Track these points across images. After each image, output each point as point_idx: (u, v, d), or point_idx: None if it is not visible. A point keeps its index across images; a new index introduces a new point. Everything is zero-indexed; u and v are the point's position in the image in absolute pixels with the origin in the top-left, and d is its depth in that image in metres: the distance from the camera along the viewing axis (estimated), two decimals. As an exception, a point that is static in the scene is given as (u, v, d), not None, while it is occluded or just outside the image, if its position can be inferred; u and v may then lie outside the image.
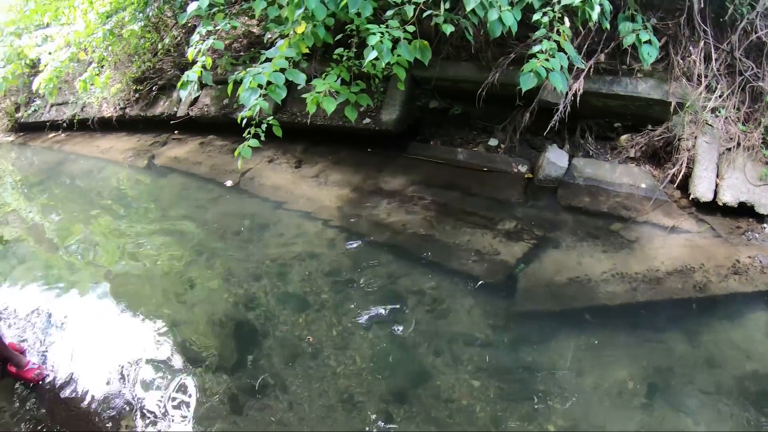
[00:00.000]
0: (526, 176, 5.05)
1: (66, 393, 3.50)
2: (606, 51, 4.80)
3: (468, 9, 3.90)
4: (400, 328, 3.56)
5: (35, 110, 12.33)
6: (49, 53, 9.06)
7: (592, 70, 4.73)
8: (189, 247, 5.07)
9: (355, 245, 4.54)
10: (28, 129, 13.44)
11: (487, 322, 3.52)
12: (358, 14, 4.21)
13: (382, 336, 3.52)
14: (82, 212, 6.74)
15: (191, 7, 4.74)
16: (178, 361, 3.60)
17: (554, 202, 4.68)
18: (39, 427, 3.26)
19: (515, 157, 5.27)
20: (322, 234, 4.76)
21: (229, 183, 6.22)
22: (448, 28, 4.20)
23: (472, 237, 4.29)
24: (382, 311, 3.73)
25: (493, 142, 5.47)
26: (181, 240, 5.29)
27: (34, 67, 10.69)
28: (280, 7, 4.51)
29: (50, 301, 4.54)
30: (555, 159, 4.90)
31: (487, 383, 3.12)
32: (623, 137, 5.07)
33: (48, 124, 11.90)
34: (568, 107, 4.63)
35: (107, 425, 3.21)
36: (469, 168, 5.30)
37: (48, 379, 3.64)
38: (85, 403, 3.40)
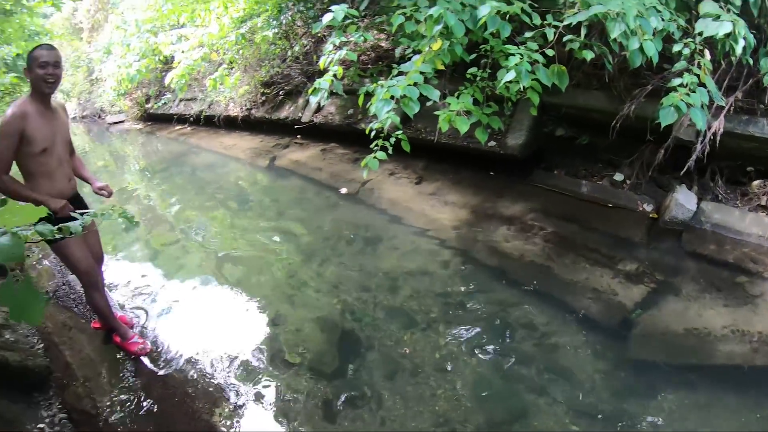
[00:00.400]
0: (650, 216, 5.00)
1: (164, 371, 3.72)
2: (743, 88, 4.63)
3: (612, 36, 3.89)
4: (505, 358, 3.56)
5: (165, 103, 13.51)
6: (183, 51, 10.02)
7: (732, 108, 4.60)
8: (301, 249, 5.39)
9: (469, 268, 4.65)
10: (156, 119, 14.79)
11: (596, 365, 3.45)
12: (493, 34, 4.30)
13: (486, 364, 3.54)
14: (201, 201, 7.38)
15: (326, 18, 5.03)
16: (278, 358, 3.76)
17: (678, 246, 4.59)
18: (132, 398, 3.44)
19: (641, 194, 5.21)
20: (436, 253, 4.91)
21: (344, 190, 6.58)
22: (588, 55, 4.23)
23: (590, 275, 4.28)
24: (489, 339, 3.76)
25: (618, 176, 5.45)
26: (294, 241, 5.64)
27: (167, 63, 11.79)
28: (417, 22, 4.67)
29: (161, 280, 5.00)
30: (684, 201, 4.81)
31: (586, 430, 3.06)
32: (755, 183, 4.91)
33: (175, 116, 13.07)
34: (707, 147, 4.50)
35: (200, 409, 3.37)
36: (592, 202, 5.30)
37: (149, 355, 3.87)
38: (182, 384, 3.59)
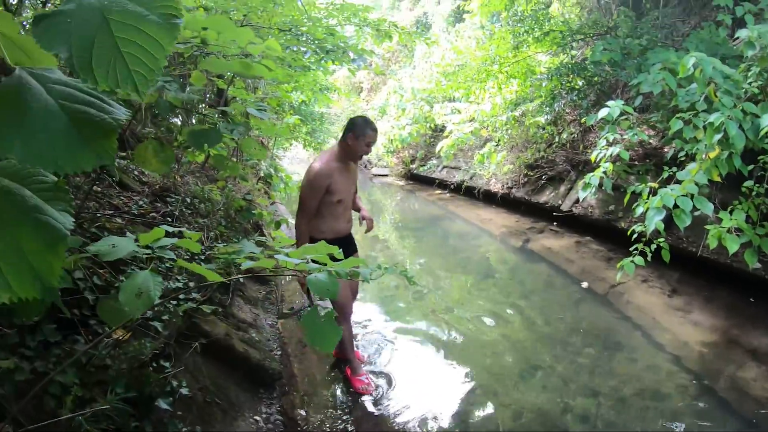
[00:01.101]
0: None
1: (378, 412, 4.20)
2: None
3: None
4: None
5: (429, 167, 15.15)
6: (454, 123, 11.42)
7: None
8: (537, 336, 5.72)
9: (705, 400, 4.54)
10: (417, 180, 16.57)
11: None
12: None
13: None
14: (447, 266, 8.20)
15: (602, 112, 5.36)
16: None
17: None
18: (340, 424, 3.95)
19: None
20: (674, 375, 4.89)
21: (585, 284, 6.95)
22: None
23: None
24: None
25: None
26: (532, 327, 6.00)
27: (435, 131, 13.40)
28: (696, 128, 4.72)
29: (393, 330, 5.67)
30: None
31: None
32: None
33: (437, 181, 14.58)
34: None
35: None
36: None
37: (371, 396, 4.38)
38: (389, 429, 4.02)
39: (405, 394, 4.56)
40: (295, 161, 30.52)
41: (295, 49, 5.67)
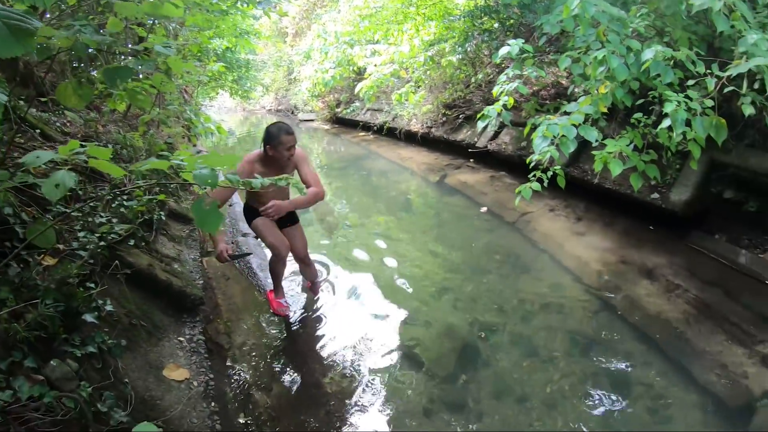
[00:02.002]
0: None
1: (297, 338, 4.45)
2: None
3: None
4: (614, 412, 3.57)
5: (353, 110, 14.92)
6: (375, 65, 11.15)
7: None
8: (451, 262, 5.87)
9: (604, 315, 4.73)
10: (342, 123, 16.34)
11: None
12: (661, 79, 4.29)
13: (594, 412, 3.57)
14: (370, 203, 8.21)
15: (503, 50, 5.37)
16: (400, 350, 4.25)
17: None
18: (260, 348, 4.19)
19: None
20: (576, 293, 5.08)
21: (483, 209, 7.26)
22: (748, 110, 4.08)
23: (725, 349, 4.13)
24: (604, 388, 3.79)
25: None
26: (445, 254, 6.12)
27: (359, 74, 13.08)
28: (585, 65, 4.80)
29: (318, 266, 5.57)
30: None
31: None
32: None
33: (361, 123, 14.42)
34: None
35: (314, 371, 3.98)
36: (749, 275, 5.03)
37: (289, 322, 4.65)
38: (306, 352, 4.23)
39: (323, 318, 4.81)
40: (223, 110, 29.68)
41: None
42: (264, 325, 4.60)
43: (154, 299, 3.86)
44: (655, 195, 5.94)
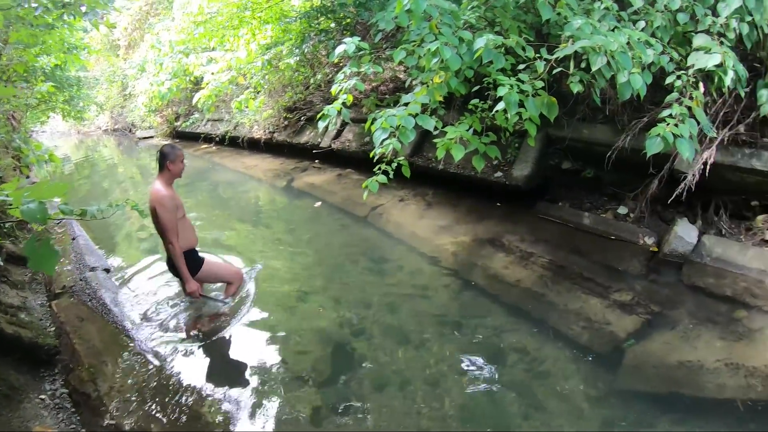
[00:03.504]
0: (651, 249, 4.96)
1: (167, 366, 3.96)
2: (746, 122, 4.55)
3: (594, 69, 3.90)
4: (495, 381, 3.57)
5: (193, 122, 13.87)
6: (212, 73, 10.29)
7: (728, 140, 4.55)
8: (310, 265, 5.51)
9: (466, 292, 4.70)
10: (183, 137, 15.18)
11: (585, 392, 3.42)
12: (494, 66, 4.31)
13: (475, 385, 3.54)
14: (219, 216, 7.54)
15: (339, 49, 5.11)
16: (273, 363, 3.92)
17: (677, 279, 4.53)
18: (131, 388, 3.65)
19: (643, 228, 5.19)
20: (436, 276, 4.98)
21: (317, 204, 7.05)
22: (576, 87, 4.20)
23: (584, 303, 4.25)
24: (480, 361, 3.78)
25: (622, 210, 5.45)
26: (303, 258, 5.76)
27: (197, 84, 12.11)
28: (419, 57, 4.72)
29: (173, 287, 5.09)
30: (683, 234, 4.77)
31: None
32: (760, 217, 4.79)
33: (202, 135, 13.42)
34: (697, 177, 4.48)
35: (192, 403, 3.53)
36: (594, 233, 5.29)
37: (155, 351, 4.14)
38: (178, 381, 3.77)
39: (192, 343, 4.33)
40: (56, 135, 26.81)
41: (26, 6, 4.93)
42: (129, 363, 4.00)
43: (4, 358, 3.55)
44: (499, 173, 6.05)
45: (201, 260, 4.46)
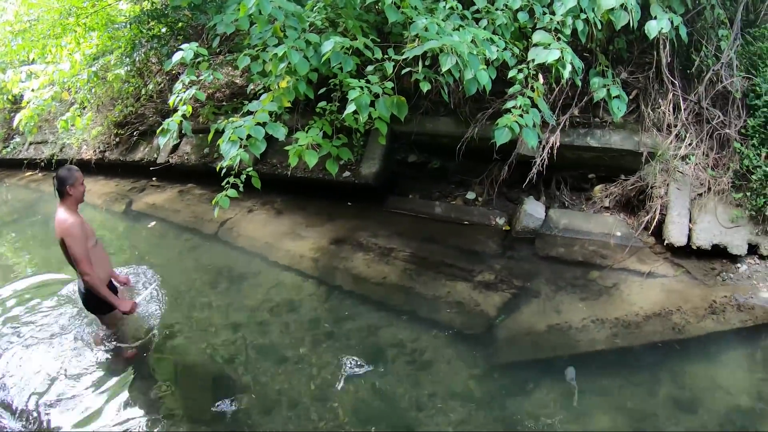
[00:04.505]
0: (503, 228, 5.14)
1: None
2: (580, 105, 4.96)
3: (444, 69, 3.99)
4: (381, 379, 3.55)
5: (14, 147, 12.21)
6: (33, 90, 8.98)
7: (567, 123, 4.91)
8: (165, 295, 4.95)
9: (333, 297, 4.57)
10: (4, 165, 13.24)
11: (470, 372, 3.53)
12: (341, 68, 4.30)
13: (364, 388, 3.50)
14: (55, 254, 6.55)
15: (176, 56, 4.78)
16: (152, 408, 3.56)
17: (532, 252, 4.78)
18: None
19: (492, 209, 5.36)
20: (300, 286, 4.78)
21: (151, 224, 6.62)
22: (426, 86, 4.30)
23: (451, 289, 4.33)
24: (363, 363, 3.72)
25: (470, 195, 5.58)
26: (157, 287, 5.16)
27: (16, 102, 10.64)
28: (264, 62, 4.60)
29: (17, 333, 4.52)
30: (532, 211, 5.00)
31: (470, 432, 3.12)
32: (597, 188, 5.22)
33: (26, 162, 11.75)
34: (546, 160, 4.77)
35: None
36: (448, 221, 5.39)
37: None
38: None
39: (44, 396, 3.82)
40: None
41: None
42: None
43: None
44: (347, 173, 6.01)
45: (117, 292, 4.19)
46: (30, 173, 11.84)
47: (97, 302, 3.96)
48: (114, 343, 4.18)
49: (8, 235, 8.25)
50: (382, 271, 4.73)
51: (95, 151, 9.47)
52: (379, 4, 4.32)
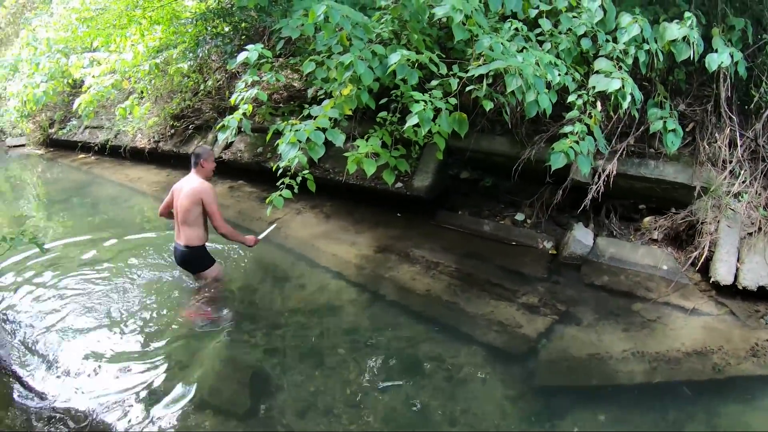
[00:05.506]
0: (550, 252, 5.13)
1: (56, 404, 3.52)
2: (636, 134, 4.94)
3: (509, 90, 4.03)
4: (416, 392, 3.52)
5: (70, 129, 12.52)
6: (94, 77, 9.26)
7: (624, 152, 4.91)
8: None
9: (376, 306, 4.57)
10: (59, 145, 13.66)
11: (504, 393, 3.50)
12: (404, 81, 4.35)
13: (398, 399, 3.47)
14: (105, 240, 6.54)
15: (241, 56, 4.85)
16: (188, 399, 3.55)
17: (577, 279, 4.75)
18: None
19: (540, 232, 5.36)
20: (343, 292, 4.79)
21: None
22: (488, 105, 4.35)
23: (495, 308, 4.32)
24: (399, 374, 3.71)
25: (519, 216, 5.58)
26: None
27: (76, 87, 10.93)
28: (329, 69, 4.68)
29: (60, 312, 4.61)
30: (581, 237, 4.99)
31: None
32: (647, 219, 5.17)
33: (80, 144, 12.10)
34: (602, 188, 4.77)
35: None
36: (495, 240, 5.39)
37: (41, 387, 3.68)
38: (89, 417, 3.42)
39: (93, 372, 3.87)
40: None
41: None
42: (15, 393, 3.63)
43: None
44: (399, 184, 6.01)
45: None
46: (83, 156, 12.17)
47: (201, 259, 4.71)
48: (207, 296, 4.73)
49: (57, 215, 8.47)
50: (427, 284, 4.73)
51: (149, 140, 9.71)
52: (447, 20, 4.33)
